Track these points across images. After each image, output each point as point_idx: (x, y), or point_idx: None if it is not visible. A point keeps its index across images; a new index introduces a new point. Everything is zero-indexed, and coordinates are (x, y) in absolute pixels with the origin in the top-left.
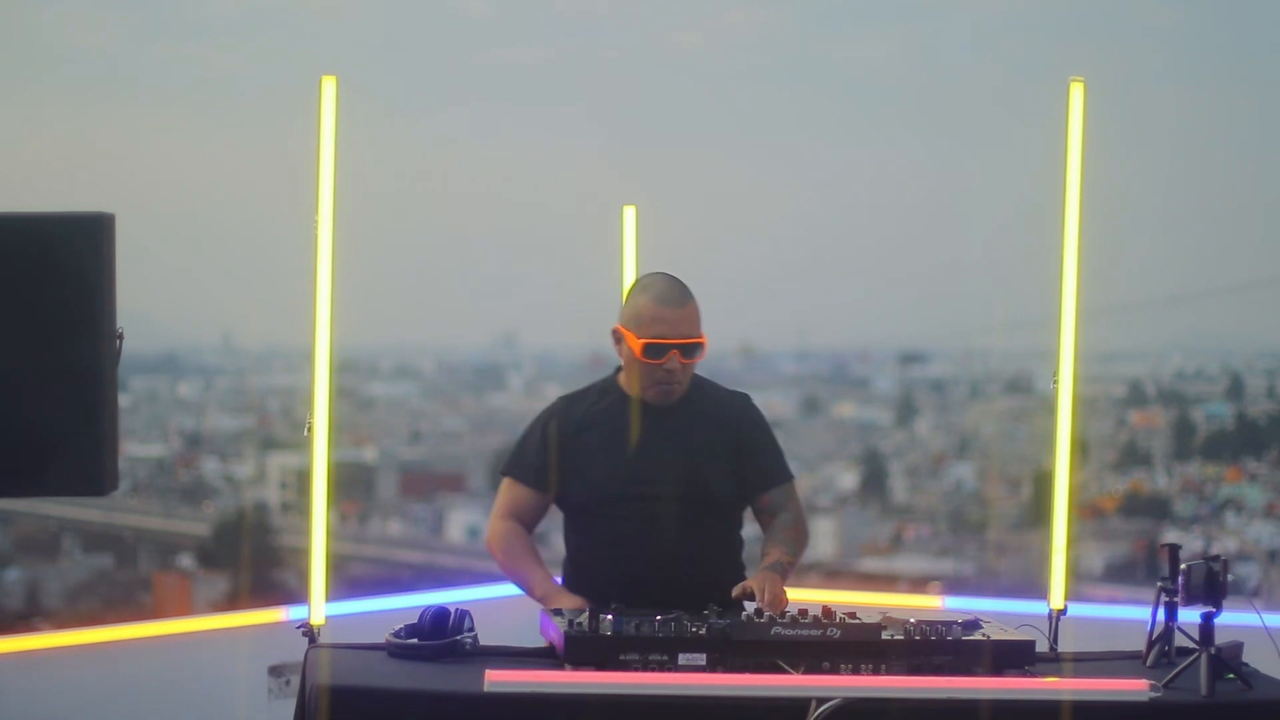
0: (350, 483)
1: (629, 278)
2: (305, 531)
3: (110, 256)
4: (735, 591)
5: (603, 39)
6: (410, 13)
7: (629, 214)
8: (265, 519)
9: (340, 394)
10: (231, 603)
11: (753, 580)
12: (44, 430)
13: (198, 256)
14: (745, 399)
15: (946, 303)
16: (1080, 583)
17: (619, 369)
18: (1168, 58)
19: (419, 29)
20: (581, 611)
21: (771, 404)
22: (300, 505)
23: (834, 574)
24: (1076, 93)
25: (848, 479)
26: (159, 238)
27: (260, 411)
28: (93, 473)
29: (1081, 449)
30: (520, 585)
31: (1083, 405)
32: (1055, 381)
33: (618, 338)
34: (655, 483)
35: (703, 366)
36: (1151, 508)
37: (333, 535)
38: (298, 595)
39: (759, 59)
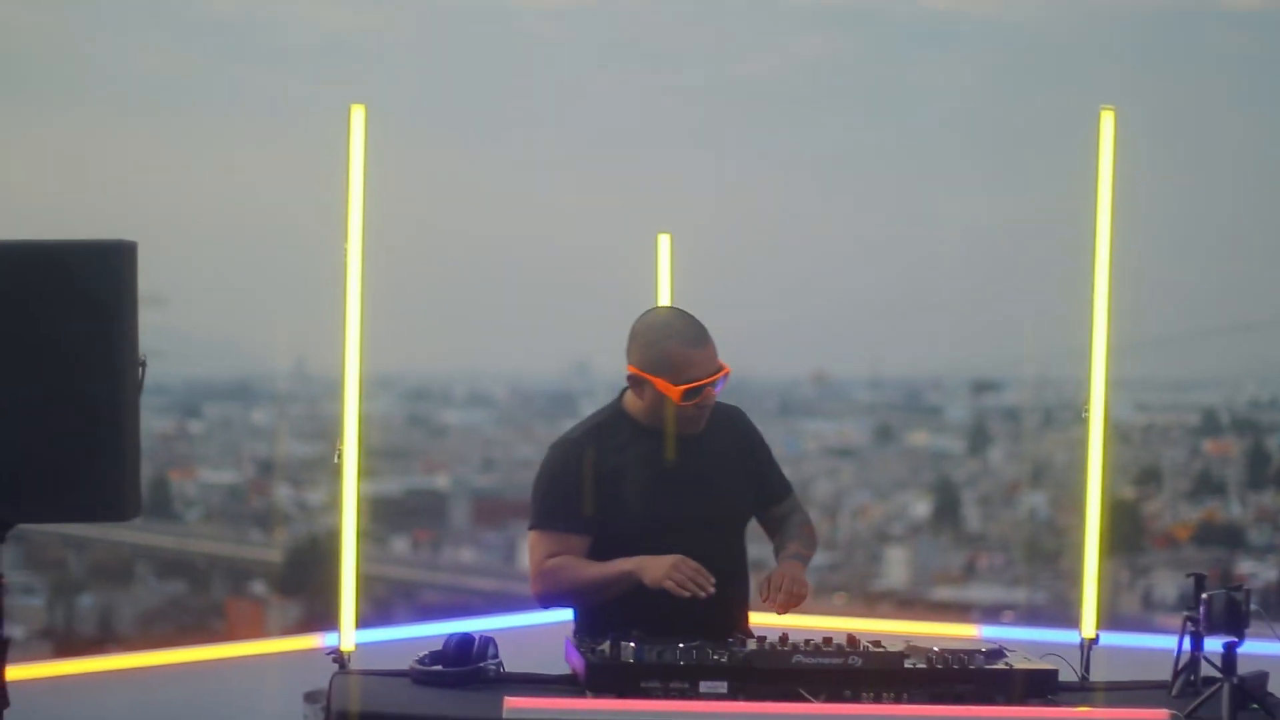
0: (422, 510)
1: (663, 304)
2: (374, 559)
3: (131, 284)
4: (761, 589)
5: (672, 65)
6: (479, 39)
7: (663, 242)
8: (338, 546)
9: (413, 421)
10: (303, 629)
11: (776, 572)
12: (66, 457)
13: (272, 282)
14: (741, 412)
15: (1020, 330)
16: (1154, 611)
17: (619, 397)
18: (1239, 83)
19: (489, 55)
20: (604, 640)
21: (844, 432)
22: (373, 532)
23: (906, 603)
24: (1107, 121)
25: (920, 508)
26: (233, 263)
27: (333, 438)
28: (113, 499)
29: (1155, 478)
30: (602, 584)
31: (1155, 434)
32: (1086, 413)
33: (639, 381)
34: (688, 507)
35: (777, 393)
36: (1225, 537)
37: (404, 563)
38: (367, 622)
39: (831, 85)
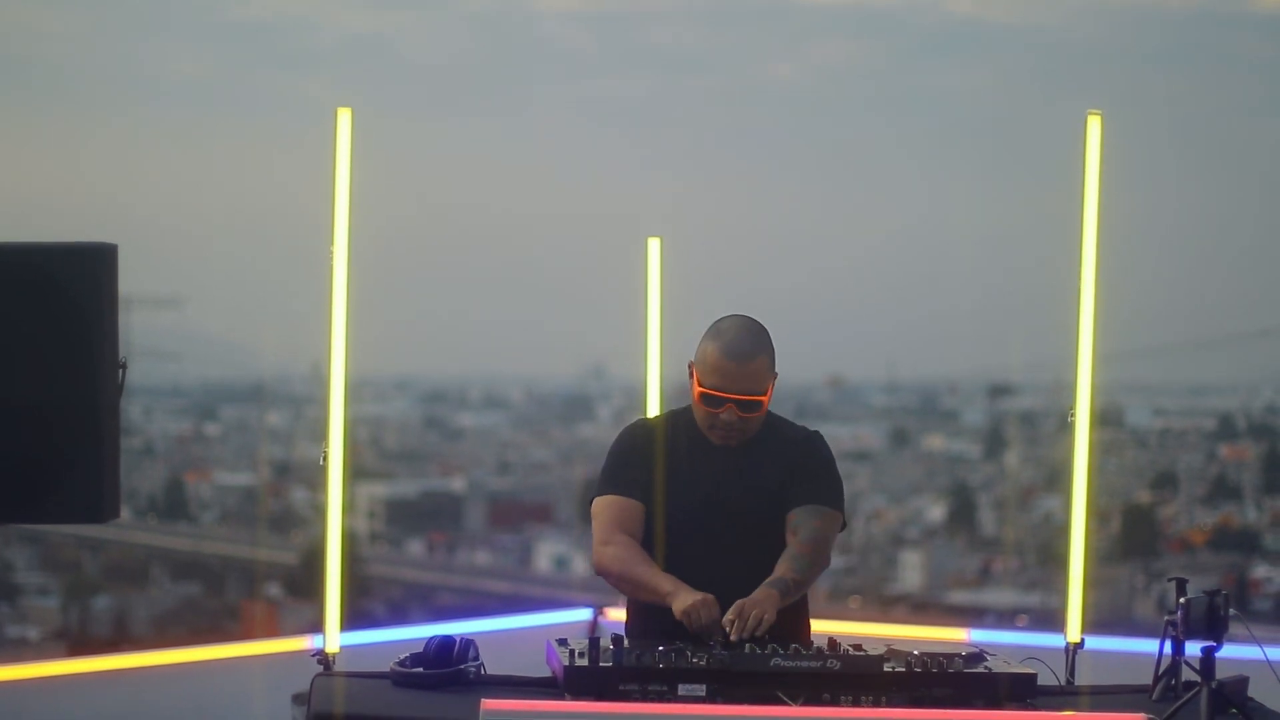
0: (438, 512)
1: (653, 308)
2: (392, 561)
3: (112, 286)
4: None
5: (697, 72)
6: (511, 46)
7: (653, 246)
8: (353, 548)
9: (429, 424)
10: (317, 632)
11: (743, 601)
12: (46, 458)
13: (290, 285)
14: (815, 435)
15: (1036, 335)
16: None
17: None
18: (1265, 90)
19: (519, 61)
20: (583, 639)
21: (860, 436)
22: (389, 535)
23: (922, 606)
24: (1094, 125)
25: (936, 511)
26: (251, 266)
27: (349, 441)
28: (93, 500)
29: (1171, 482)
30: (643, 588)
31: (1172, 438)
32: (1072, 417)
33: (690, 373)
34: (727, 499)
35: (792, 397)
36: (1241, 541)
37: (420, 565)
38: (385, 624)
39: (851, 90)
